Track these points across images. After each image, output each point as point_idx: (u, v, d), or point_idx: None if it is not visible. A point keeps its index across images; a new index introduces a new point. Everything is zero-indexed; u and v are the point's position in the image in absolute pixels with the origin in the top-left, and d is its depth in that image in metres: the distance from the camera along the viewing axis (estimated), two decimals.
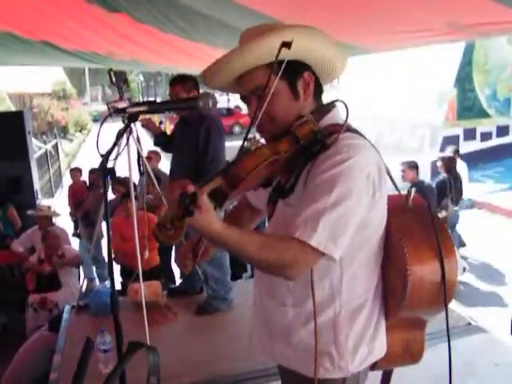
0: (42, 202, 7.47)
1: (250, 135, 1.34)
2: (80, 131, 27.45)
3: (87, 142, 25.55)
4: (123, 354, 1.07)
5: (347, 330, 1.48)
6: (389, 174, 1.47)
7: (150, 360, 0.98)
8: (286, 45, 1.27)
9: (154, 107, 1.39)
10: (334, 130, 1.39)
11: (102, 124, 1.46)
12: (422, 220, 1.50)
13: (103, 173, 1.56)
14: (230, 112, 26.20)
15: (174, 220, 1.22)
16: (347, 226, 1.31)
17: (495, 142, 11.21)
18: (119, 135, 1.43)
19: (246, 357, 3.07)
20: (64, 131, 23.61)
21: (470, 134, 11.81)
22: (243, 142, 1.36)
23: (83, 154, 20.50)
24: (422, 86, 11.85)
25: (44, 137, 15.32)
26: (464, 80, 11.58)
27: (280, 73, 1.35)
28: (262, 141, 1.46)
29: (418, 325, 1.64)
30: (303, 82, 1.44)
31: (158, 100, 1.68)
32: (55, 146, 14.71)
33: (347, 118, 1.41)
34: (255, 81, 1.39)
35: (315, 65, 1.46)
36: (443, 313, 1.50)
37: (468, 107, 11.74)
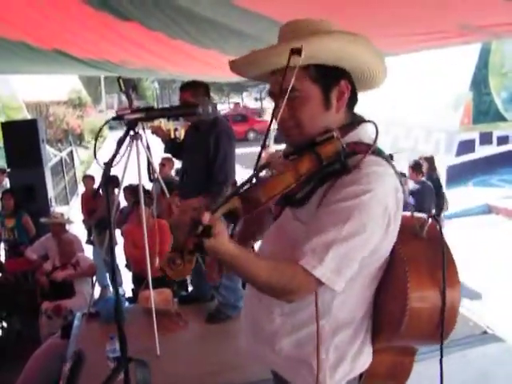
0: (57, 209, 7.53)
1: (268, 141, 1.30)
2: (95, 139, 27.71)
3: (103, 150, 25.79)
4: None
5: (329, 343, 1.45)
6: (437, 178, 1.42)
7: (138, 375, 0.96)
8: (296, 52, 1.22)
9: (152, 114, 1.38)
10: (358, 149, 1.33)
11: (98, 133, 1.45)
12: (431, 251, 1.43)
13: (105, 181, 1.55)
14: (244, 118, 26.24)
15: (185, 253, 1.17)
16: (354, 259, 1.29)
17: None
18: (120, 142, 1.42)
19: (255, 366, 3.03)
20: (80, 139, 23.83)
21: (486, 138, 11.67)
22: (264, 141, 1.33)
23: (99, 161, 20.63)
24: (438, 90, 11.76)
25: (59, 144, 15.48)
26: (480, 83, 11.44)
27: (315, 76, 1.32)
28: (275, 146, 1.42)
29: (408, 351, 1.61)
30: (338, 91, 1.38)
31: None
32: (70, 154, 14.85)
33: (376, 139, 1.34)
34: (287, 81, 1.30)
35: (356, 73, 1.40)
36: (458, 319, 1.44)
37: (484, 111, 11.59)
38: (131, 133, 1.42)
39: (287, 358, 1.49)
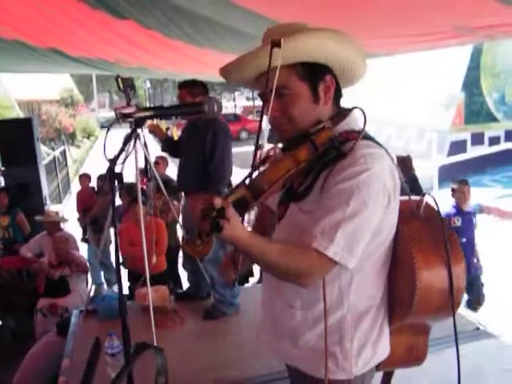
0: (51, 207, 7.51)
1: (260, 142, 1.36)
2: (88, 138, 27.58)
3: (95, 149, 25.69)
4: (130, 355, 1.08)
5: (352, 332, 1.50)
6: (415, 177, 1.48)
7: (157, 361, 0.99)
8: (276, 45, 1.29)
9: (160, 112, 1.40)
10: (350, 137, 1.40)
11: (108, 129, 1.47)
12: (431, 228, 1.51)
13: (111, 177, 1.58)
14: (237, 118, 26.26)
15: (202, 234, 1.23)
16: (362, 236, 1.34)
17: (504, 146, 11.15)
18: (126, 140, 1.45)
19: (251, 362, 3.08)
20: (72, 138, 23.73)
21: (477, 139, 11.77)
22: (259, 131, 1.39)
23: (91, 160, 20.62)
24: (430, 90, 11.84)
25: (52, 143, 15.41)
26: (472, 84, 11.55)
27: (302, 74, 1.38)
28: (268, 146, 1.47)
29: (422, 329, 1.66)
30: (324, 86, 1.45)
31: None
32: (63, 153, 14.79)
33: (365, 125, 1.41)
34: (273, 78, 1.37)
35: (338, 68, 1.47)
36: (450, 318, 1.51)
37: (476, 111, 11.70)
38: (138, 131, 1.44)
39: (311, 350, 1.52)
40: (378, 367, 1.61)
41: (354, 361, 1.50)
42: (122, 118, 1.43)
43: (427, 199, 1.56)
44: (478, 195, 9.87)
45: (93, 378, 1.32)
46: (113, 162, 1.55)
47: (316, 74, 1.43)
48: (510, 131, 12.05)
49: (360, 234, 1.33)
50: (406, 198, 1.57)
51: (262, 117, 1.42)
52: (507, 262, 6.73)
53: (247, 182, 1.34)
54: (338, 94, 1.51)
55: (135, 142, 2.48)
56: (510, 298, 5.64)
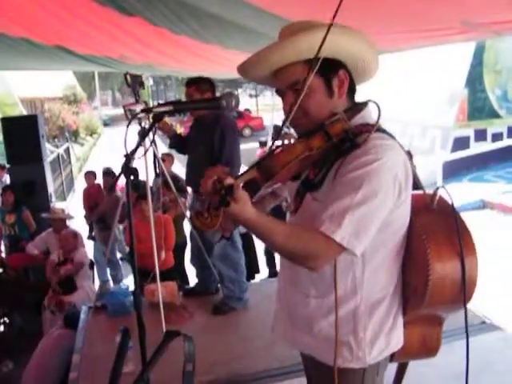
0: (56, 205, 7.54)
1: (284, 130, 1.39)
2: (91, 135, 27.63)
3: (98, 146, 25.73)
4: (161, 342, 1.11)
5: (366, 322, 1.52)
6: (414, 174, 1.50)
7: (185, 348, 1.02)
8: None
9: (179, 107, 1.42)
10: (365, 130, 1.43)
11: (128, 125, 1.49)
12: (444, 220, 1.53)
13: (126, 173, 1.59)
14: (240, 115, 26.24)
15: (211, 208, 1.26)
16: (370, 224, 1.36)
17: (506, 142, 11.13)
18: (144, 134, 1.46)
19: (261, 355, 3.11)
20: (75, 135, 23.77)
21: (480, 135, 11.76)
22: (280, 131, 1.44)
23: (94, 157, 20.66)
24: (433, 87, 11.83)
25: (56, 141, 15.43)
26: (475, 81, 11.53)
27: (316, 69, 1.39)
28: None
29: (435, 321, 1.67)
30: (338, 80, 1.48)
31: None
32: (67, 150, 14.83)
33: (379, 118, 1.45)
34: (293, 76, 1.44)
35: (350, 64, 1.50)
36: (460, 311, 1.53)
37: (479, 108, 11.69)
38: (155, 126, 1.45)
39: (326, 339, 1.54)
40: (392, 358, 1.63)
41: (368, 350, 1.53)
42: (143, 112, 1.44)
43: (441, 192, 1.57)
44: (481, 191, 9.89)
45: (122, 369, 1.34)
46: (129, 157, 1.57)
47: (330, 68, 1.46)
48: None
49: (368, 221, 1.35)
50: (419, 191, 1.60)
51: (289, 112, 1.44)
52: (510, 256, 6.76)
53: (259, 162, 1.37)
54: (352, 89, 1.54)
55: (154, 136, 2.49)
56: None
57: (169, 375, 1.87)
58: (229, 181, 1.23)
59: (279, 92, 1.54)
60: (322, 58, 1.42)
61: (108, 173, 6.67)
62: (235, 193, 1.22)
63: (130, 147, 1.51)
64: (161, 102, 35.73)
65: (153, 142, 3.38)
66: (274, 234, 1.33)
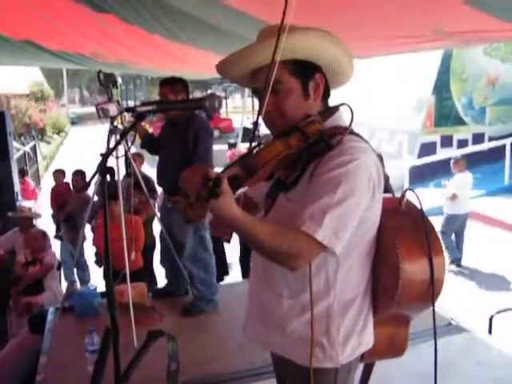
0: (22, 203, 7.38)
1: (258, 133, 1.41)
2: (58, 133, 27.12)
3: (65, 145, 25.28)
4: (144, 342, 1.10)
5: (339, 321, 1.54)
6: (386, 177, 1.54)
7: (169, 348, 1.02)
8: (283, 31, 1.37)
9: (161, 107, 1.42)
10: (338, 132, 1.47)
11: (112, 124, 1.47)
12: (413, 222, 1.57)
13: (102, 172, 1.57)
14: (209, 117, 26.17)
15: (199, 200, 1.27)
16: (349, 222, 1.39)
17: (471, 149, 11.40)
18: (125, 134, 1.45)
19: (232, 357, 3.11)
20: (42, 133, 23.28)
21: (447, 141, 12.04)
22: (254, 130, 1.49)
23: (61, 156, 20.31)
24: (401, 93, 12.06)
25: (22, 139, 15.10)
26: (442, 88, 11.80)
27: (293, 70, 1.44)
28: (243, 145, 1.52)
29: (403, 321, 1.71)
30: (314, 83, 1.52)
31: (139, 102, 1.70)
32: (33, 148, 14.53)
33: (352, 121, 1.49)
34: (272, 73, 1.43)
35: (326, 67, 1.54)
36: (426, 312, 1.59)
37: (445, 115, 11.97)
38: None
39: (299, 339, 1.55)
40: (361, 358, 1.66)
41: (341, 349, 1.54)
42: (127, 111, 1.43)
43: (409, 195, 1.63)
44: None
45: (104, 367, 1.32)
46: (105, 156, 1.56)
47: (306, 71, 1.50)
48: (477, 134, 12.36)
49: (347, 219, 1.38)
50: (389, 195, 1.65)
51: (260, 110, 1.46)
52: (473, 258, 6.95)
53: (241, 159, 1.40)
54: (326, 93, 1.59)
55: (135, 136, 2.47)
56: (479, 294, 5.83)
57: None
58: (216, 174, 1.25)
59: (256, 92, 1.56)
60: (300, 61, 1.47)
61: (78, 172, 6.57)
62: (223, 185, 1.24)
63: (102, 146, 1.50)
64: (130, 101, 35.38)
65: (133, 141, 3.36)
66: (259, 232, 1.33)
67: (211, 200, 1.23)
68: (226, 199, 1.26)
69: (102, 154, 1.56)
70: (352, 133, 1.50)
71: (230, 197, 1.27)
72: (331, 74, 1.57)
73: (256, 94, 1.57)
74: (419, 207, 1.60)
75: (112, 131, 3.08)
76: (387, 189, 1.63)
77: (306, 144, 1.43)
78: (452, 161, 7.28)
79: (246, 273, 5.73)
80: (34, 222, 5.84)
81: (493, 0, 2.30)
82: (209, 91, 40.93)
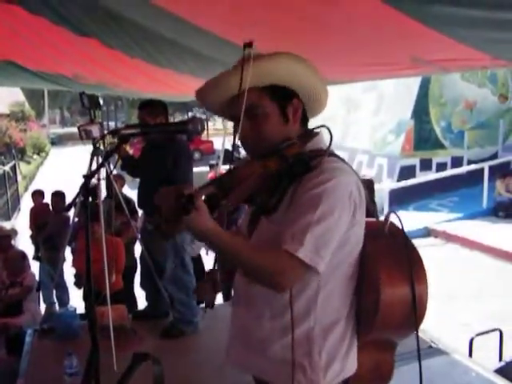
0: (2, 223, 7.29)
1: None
2: (38, 154, 26.90)
3: (45, 165, 25.07)
4: (129, 366, 1.11)
5: (321, 345, 1.53)
6: (374, 201, 1.56)
7: (154, 371, 1.02)
8: (249, 45, 1.42)
9: (145, 130, 1.44)
10: (318, 154, 1.49)
11: (95, 146, 1.49)
12: (396, 245, 1.58)
13: (85, 193, 1.59)
14: (189, 139, 26.15)
15: (172, 217, 1.29)
16: (330, 240, 1.41)
17: (450, 172, 11.58)
18: (108, 155, 1.47)
19: (213, 381, 3.08)
20: (22, 153, 23.08)
21: (426, 165, 12.21)
22: (232, 149, 1.53)
23: (41, 176, 20.11)
24: (381, 117, 12.26)
25: (2, 158, 14.94)
26: (421, 112, 12.01)
27: (272, 95, 1.48)
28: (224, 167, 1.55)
29: (388, 346, 1.71)
30: (293, 108, 1.55)
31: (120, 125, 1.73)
32: (13, 168, 14.38)
33: (331, 142, 1.52)
34: (248, 100, 1.47)
35: (303, 94, 1.57)
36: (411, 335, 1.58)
37: (424, 138, 12.16)
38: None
39: (280, 362, 1.53)
40: None
41: (323, 374, 1.53)
42: (110, 133, 1.45)
43: (392, 218, 1.64)
44: (425, 219, 10.25)
45: None
46: (88, 177, 1.57)
47: (284, 96, 1.53)
48: (456, 158, 12.57)
49: (328, 238, 1.39)
50: (372, 219, 1.66)
51: (234, 135, 1.49)
52: (452, 282, 7.01)
53: (217, 179, 1.43)
54: (305, 117, 1.62)
55: (119, 158, 2.48)
56: (457, 317, 5.87)
57: None
58: (189, 191, 1.27)
59: (234, 118, 1.57)
60: (278, 87, 1.50)
61: (58, 193, 6.51)
62: (196, 201, 1.25)
63: (83, 167, 1.51)
64: (111, 123, 35.27)
65: (116, 163, 3.36)
66: (239, 249, 1.36)
67: (184, 215, 1.25)
68: (201, 214, 1.28)
69: (84, 176, 1.57)
70: (332, 154, 1.52)
71: (204, 212, 1.29)
72: (308, 100, 1.59)
73: (233, 121, 1.58)
74: (402, 230, 1.61)
75: (94, 153, 3.10)
76: (372, 213, 1.65)
77: (286, 166, 1.45)
78: None
79: (227, 296, 5.71)
80: (13, 242, 5.78)
81: (467, 31, 2.37)
82: (190, 114, 41.06)
